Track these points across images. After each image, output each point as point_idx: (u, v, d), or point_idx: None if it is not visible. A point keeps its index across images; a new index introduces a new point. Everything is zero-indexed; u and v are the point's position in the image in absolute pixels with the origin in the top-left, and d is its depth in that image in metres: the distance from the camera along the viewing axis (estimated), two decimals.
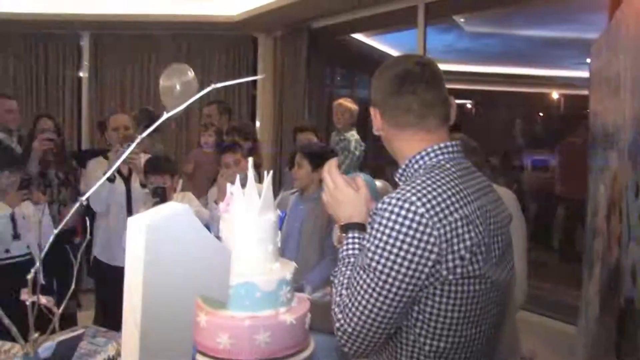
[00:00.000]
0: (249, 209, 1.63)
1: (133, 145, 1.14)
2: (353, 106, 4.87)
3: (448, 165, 1.33)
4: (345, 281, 1.34)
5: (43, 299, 1.01)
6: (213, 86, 0.94)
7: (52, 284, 3.23)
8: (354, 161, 4.75)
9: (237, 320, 1.55)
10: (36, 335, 0.95)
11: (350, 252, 1.41)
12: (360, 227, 1.45)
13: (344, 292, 1.32)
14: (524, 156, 6.60)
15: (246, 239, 1.62)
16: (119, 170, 3.42)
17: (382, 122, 1.42)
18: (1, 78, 6.33)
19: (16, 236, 2.94)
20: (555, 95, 7.53)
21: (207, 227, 3.15)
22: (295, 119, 5.86)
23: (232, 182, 1.70)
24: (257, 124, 6.39)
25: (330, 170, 1.52)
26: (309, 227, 3.14)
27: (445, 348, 1.29)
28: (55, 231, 1.09)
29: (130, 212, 3.50)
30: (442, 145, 1.36)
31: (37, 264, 0.85)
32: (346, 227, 1.46)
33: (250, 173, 1.70)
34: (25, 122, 4.90)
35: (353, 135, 4.80)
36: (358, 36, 6.45)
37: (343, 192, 1.48)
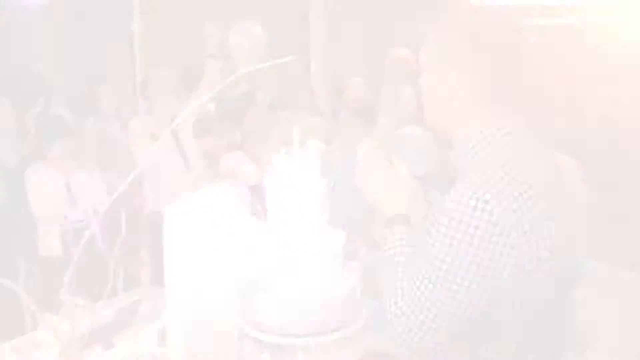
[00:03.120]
0: (295, 179, 1.57)
1: (189, 110, 1.07)
2: (409, 57, 4.37)
3: (515, 147, 1.17)
4: (400, 290, 1.15)
5: (80, 301, 0.99)
6: (240, 72, 0.86)
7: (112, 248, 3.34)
8: (404, 119, 4.47)
9: (287, 294, 1.50)
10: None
11: (397, 249, 1.22)
12: (406, 220, 1.27)
13: (400, 301, 1.13)
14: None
15: (293, 211, 1.55)
16: None
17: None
18: (56, 40, 6.41)
19: (73, 203, 3.02)
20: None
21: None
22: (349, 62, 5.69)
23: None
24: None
25: (366, 154, 1.34)
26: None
27: None
28: (113, 196, 1.07)
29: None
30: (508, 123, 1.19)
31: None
32: (391, 221, 1.27)
33: (296, 140, 1.62)
34: (78, 83, 5.02)
35: (406, 89, 4.50)
36: None
37: (384, 175, 1.30)
